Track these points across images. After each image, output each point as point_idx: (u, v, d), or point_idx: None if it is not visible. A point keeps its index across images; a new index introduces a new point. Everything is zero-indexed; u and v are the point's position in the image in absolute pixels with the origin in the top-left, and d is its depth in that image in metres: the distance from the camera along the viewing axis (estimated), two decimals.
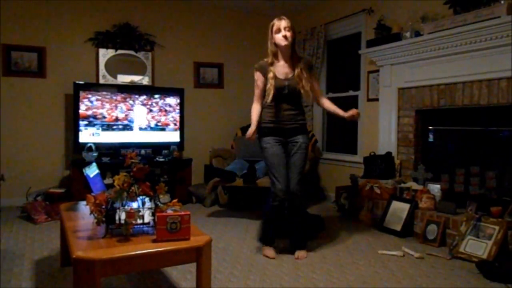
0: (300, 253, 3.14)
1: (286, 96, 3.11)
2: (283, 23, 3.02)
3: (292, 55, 3.13)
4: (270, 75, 3.07)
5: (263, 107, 3.19)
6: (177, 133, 5.38)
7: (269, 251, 3.17)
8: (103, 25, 5.18)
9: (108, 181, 4.15)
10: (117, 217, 2.08)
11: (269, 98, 3.08)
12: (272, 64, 3.11)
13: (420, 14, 4.01)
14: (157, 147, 5.20)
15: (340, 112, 3.22)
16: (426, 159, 4.21)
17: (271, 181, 3.12)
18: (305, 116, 3.31)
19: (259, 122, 3.18)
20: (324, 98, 3.37)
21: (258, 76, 3.15)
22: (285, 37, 3.01)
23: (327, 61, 5.66)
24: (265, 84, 3.13)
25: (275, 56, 3.12)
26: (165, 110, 5.30)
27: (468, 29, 3.46)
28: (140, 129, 5.15)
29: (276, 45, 3.09)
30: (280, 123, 3.14)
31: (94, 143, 4.75)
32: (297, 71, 3.10)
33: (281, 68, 3.12)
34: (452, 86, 3.80)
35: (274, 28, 3.05)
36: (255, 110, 3.15)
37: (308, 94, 3.13)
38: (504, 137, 3.62)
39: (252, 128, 3.03)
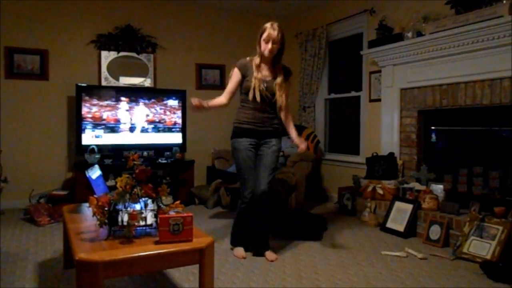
0: (271, 255, 3.13)
1: (263, 99, 3.05)
2: (273, 35, 2.95)
3: (274, 60, 3.09)
4: (253, 74, 3.03)
5: (239, 107, 3.18)
6: (179, 134, 5.38)
7: (240, 252, 3.19)
8: (105, 27, 5.20)
9: (110, 183, 4.16)
10: (119, 219, 2.09)
11: (251, 96, 3.02)
12: (258, 65, 3.07)
13: (422, 14, 4.01)
14: (160, 149, 5.21)
15: (293, 134, 3.21)
16: (429, 160, 4.20)
17: (241, 184, 3.13)
18: (279, 120, 3.26)
19: (234, 122, 3.17)
20: (289, 115, 3.28)
21: (235, 73, 3.11)
22: (270, 51, 2.98)
23: (329, 62, 5.66)
24: (239, 84, 3.11)
25: (262, 57, 3.08)
26: (167, 112, 5.31)
27: (470, 29, 3.45)
28: (142, 131, 5.16)
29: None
30: (255, 124, 3.10)
31: (97, 145, 4.76)
32: (279, 79, 3.07)
33: (264, 71, 3.10)
34: (454, 86, 3.79)
35: (264, 36, 2.98)
36: (218, 100, 3.09)
37: (280, 103, 3.11)
38: (506, 137, 3.61)
39: (204, 102, 2.93)
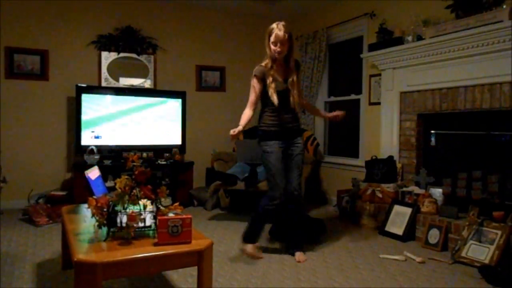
0: (300, 256, 3.17)
1: (286, 99, 3.12)
2: (280, 35, 2.97)
3: (287, 59, 3.13)
4: (270, 79, 3.07)
5: (262, 111, 3.22)
6: (179, 136, 5.38)
7: (253, 249, 3.21)
8: (106, 28, 5.20)
9: (109, 184, 4.15)
10: (118, 220, 2.08)
11: (275, 101, 3.06)
12: (271, 67, 3.10)
13: (422, 18, 4.01)
14: (159, 150, 5.20)
15: (321, 112, 3.29)
16: (428, 163, 4.20)
17: (271, 185, 3.14)
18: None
19: (260, 126, 3.22)
20: (305, 101, 3.45)
21: (256, 82, 3.13)
22: (279, 52, 3.02)
23: (329, 65, 5.66)
24: (261, 92, 3.13)
25: (274, 59, 3.11)
26: (167, 113, 5.30)
27: (470, 33, 3.46)
28: (142, 132, 5.16)
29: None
30: (282, 126, 3.16)
31: (96, 146, 4.76)
32: (292, 77, 3.13)
33: (280, 72, 3.14)
34: (454, 90, 3.79)
35: (271, 38, 3.01)
36: (246, 114, 3.12)
37: (296, 100, 3.16)
38: (506, 141, 3.61)
39: (239, 128, 2.97)
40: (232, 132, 2.93)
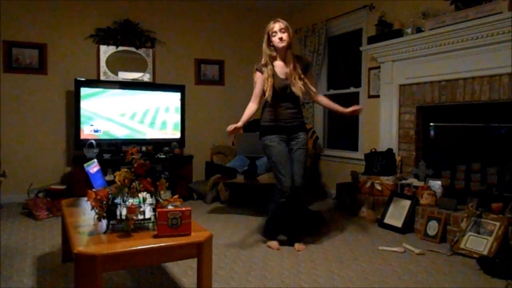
0: (300, 246, 3.23)
1: (287, 95, 3.15)
2: (277, 25, 3.08)
3: (287, 54, 3.16)
4: (265, 75, 3.12)
5: (264, 106, 3.25)
6: (178, 129, 5.38)
7: (274, 244, 3.26)
8: (104, 21, 5.18)
9: (109, 177, 4.14)
10: (118, 213, 2.09)
11: (268, 98, 3.10)
12: (266, 65, 3.15)
13: (421, 10, 4.00)
14: (158, 144, 5.20)
15: (339, 108, 3.27)
16: (427, 156, 4.21)
17: (278, 179, 3.15)
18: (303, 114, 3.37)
19: (260, 121, 3.25)
20: (321, 96, 3.44)
21: (258, 76, 3.19)
22: (280, 39, 3.07)
23: (328, 58, 5.65)
24: (264, 85, 3.16)
25: (273, 57, 3.17)
26: (166, 107, 5.30)
27: (470, 25, 3.45)
28: (141, 126, 5.15)
29: (274, 46, 3.14)
30: (282, 121, 3.18)
31: (95, 140, 4.76)
32: (294, 72, 3.15)
33: (280, 68, 3.18)
34: (453, 82, 3.79)
35: (270, 31, 3.10)
36: (250, 108, 3.17)
37: (303, 94, 3.20)
38: (505, 133, 3.62)
39: (239, 124, 3.02)
40: (228, 128, 2.98)
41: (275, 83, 3.12)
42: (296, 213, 3.24)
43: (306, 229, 3.62)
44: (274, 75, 3.14)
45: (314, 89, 3.29)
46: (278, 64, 3.18)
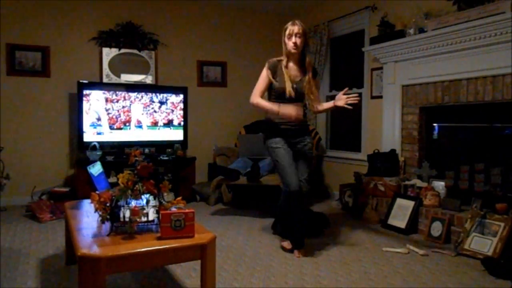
0: (299, 253, 3.15)
1: (296, 99, 3.13)
2: (295, 29, 3.02)
3: (302, 59, 3.15)
4: (284, 76, 3.08)
5: None
6: (181, 131, 5.39)
7: (288, 244, 3.24)
8: (107, 24, 5.19)
9: (112, 180, 4.16)
10: (121, 215, 2.09)
11: (291, 94, 3.07)
12: (286, 66, 3.12)
13: (424, 10, 4.00)
14: (161, 146, 5.21)
15: (330, 104, 3.22)
16: (431, 156, 4.20)
17: (283, 180, 3.11)
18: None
19: (266, 122, 3.24)
20: (319, 104, 3.36)
21: (267, 73, 3.13)
22: (295, 44, 3.03)
23: (330, 59, 5.65)
24: (269, 84, 3.14)
25: (288, 58, 3.14)
26: (169, 109, 5.30)
27: (472, 25, 3.44)
28: (144, 128, 5.16)
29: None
30: (287, 124, 3.14)
31: (98, 142, 4.77)
32: (307, 77, 3.12)
33: (293, 71, 3.15)
34: (456, 82, 3.78)
35: (287, 33, 3.06)
36: (262, 100, 3.13)
37: (312, 101, 3.22)
38: (508, 134, 3.60)
39: (276, 108, 3.04)
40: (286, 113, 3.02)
41: (287, 85, 3.08)
42: (297, 218, 3.18)
43: (310, 231, 3.61)
44: (287, 76, 3.10)
45: (318, 99, 3.29)
46: (290, 66, 3.15)
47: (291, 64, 3.15)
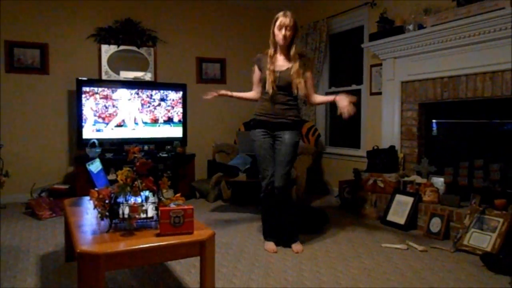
0: (297, 247, 3.15)
1: (284, 91, 3.10)
2: (286, 21, 3.01)
3: (290, 50, 3.11)
4: (268, 66, 3.08)
5: (259, 99, 3.24)
6: (180, 128, 5.38)
7: (270, 246, 3.18)
8: (105, 21, 5.18)
9: (111, 177, 4.16)
10: (120, 212, 2.09)
11: (269, 89, 3.06)
12: (271, 56, 3.11)
13: (423, 6, 3.99)
14: (160, 143, 5.21)
15: (330, 98, 3.19)
16: (430, 153, 4.20)
17: (260, 174, 3.16)
18: (299, 112, 3.24)
19: (254, 114, 3.25)
20: (315, 95, 3.33)
21: (254, 69, 3.26)
22: (284, 37, 3.02)
23: (329, 55, 5.64)
24: (260, 77, 3.19)
25: (275, 49, 3.13)
26: (168, 106, 5.30)
27: (472, 21, 3.43)
28: (143, 125, 5.16)
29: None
30: (268, 116, 3.13)
31: (98, 139, 4.76)
32: (293, 66, 3.07)
33: (277, 61, 3.14)
34: (455, 78, 3.78)
35: (277, 24, 3.04)
36: (249, 93, 3.34)
37: (300, 90, 3.08)
38: (508, 130, 3.60)
39: (227, 93, 3.27)
40: (209, 93, 3.23)
41: (274, 77, 3.05)
42: (284, 216, 3.17)
43: (309, 227, 3.62)
44: (273, 68, 3.08)
45: (312, 89, 3.25)
46: (279, 58, 3.13)
47: (279, 56, 3.14)
